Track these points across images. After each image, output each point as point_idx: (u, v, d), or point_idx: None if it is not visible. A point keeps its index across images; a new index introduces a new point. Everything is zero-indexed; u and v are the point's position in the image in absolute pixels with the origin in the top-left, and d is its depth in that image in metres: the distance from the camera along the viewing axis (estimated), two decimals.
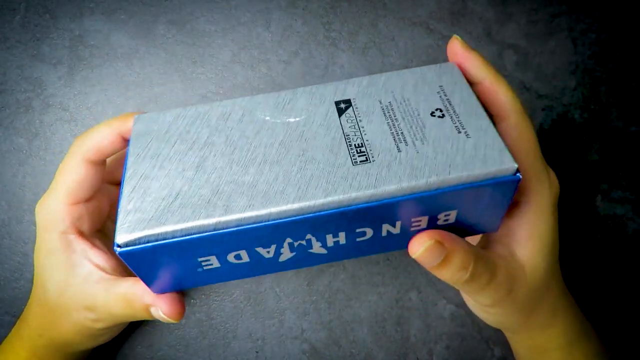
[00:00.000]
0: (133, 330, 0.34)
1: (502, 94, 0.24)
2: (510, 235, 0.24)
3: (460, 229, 0.23)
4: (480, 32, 0.36)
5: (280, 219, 0.20)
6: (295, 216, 0.20)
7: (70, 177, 0.26)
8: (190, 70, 0.36)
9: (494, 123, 0.24)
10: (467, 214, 0.22)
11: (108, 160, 0.29)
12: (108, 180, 0.29)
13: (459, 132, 0.22)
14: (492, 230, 0.24)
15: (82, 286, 0.26)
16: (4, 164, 0.35)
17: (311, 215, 0.20)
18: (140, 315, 0.25)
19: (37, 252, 0.27)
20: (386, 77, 0.24)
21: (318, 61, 0.36)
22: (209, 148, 0.22)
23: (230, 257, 0.21)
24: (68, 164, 0.26)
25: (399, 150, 0.21)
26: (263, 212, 0.20)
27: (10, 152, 0.35)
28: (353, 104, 0.23)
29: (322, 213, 0.20)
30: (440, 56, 0.36)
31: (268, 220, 0.20)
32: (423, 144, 0.21)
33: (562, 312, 0.27)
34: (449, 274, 0.22)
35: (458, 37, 0.25)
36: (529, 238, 0.24)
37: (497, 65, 0.35)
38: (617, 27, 0.36)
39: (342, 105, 0.23)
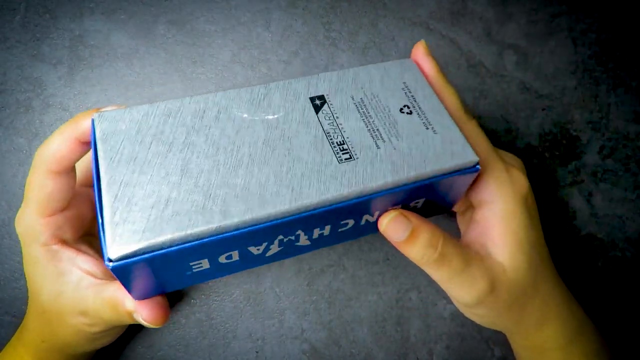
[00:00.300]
0: (133, 330, 0.34)
1: (447, 100, 0.25)
2: (484, 237, 0.25)
3: (426, 211, 0.25)
4: (480, 32, 0.36)
5: (278, 219, 0.20)
6: (291, 216, 0.20)
7: (38, 191, 0.25)
8: (190, 70, 0.36)
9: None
10: (434, 199, 0.25)
11: (81, 164, 0.28)
12: (85, 183, 0.29)
13: (427, 129, 0.23)
14: (449, 208, 0.27)
15: (73, 292, 0.26)
16: (4, 164, 0.35)
17: (306, 213, 0.20)
18: (126, 320, 0.25)
19: (25, 265, 0.27)
20: (354, 72, 0.25)
21: (318, 61, 0.36)
22: (190, 149, 0.21)
23: (222, 259, 0.22)
24: (34, 178, 0.25)
25: (378, 147, 0.23)
26: (262, 214, 0.20)
27: (10, 152, 0.35)
28: (327, 100, 0.24)
29: (316, 211, 0.21)
30: (440, 56, 0.36)
31: (266, 222, 0.20)
32: (398, 140, 0.23)
33: (556, 308, 0.26)
34: (417, 250, 0.23)
35: (424, 42, 0.26)
36: (501, 236, 0.24)
37: (497, 65, 0.35)
38: (617, 27, 0.36)
39: (317, 102, 0.24)
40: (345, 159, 0.22)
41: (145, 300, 0.24)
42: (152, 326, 0.25)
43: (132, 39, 0.36)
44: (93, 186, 0.21)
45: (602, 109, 0.35)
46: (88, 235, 0.29)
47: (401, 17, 0.36)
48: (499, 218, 0.25)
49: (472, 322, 0.35)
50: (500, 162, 0.25)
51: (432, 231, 0.23)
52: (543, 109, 0.35)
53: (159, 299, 0.25)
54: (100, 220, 0.19)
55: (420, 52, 0.26)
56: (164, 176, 0.20)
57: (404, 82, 0.25)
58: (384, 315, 0.35)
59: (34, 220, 0.26)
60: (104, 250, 0.19)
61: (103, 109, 0.23)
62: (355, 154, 0.22)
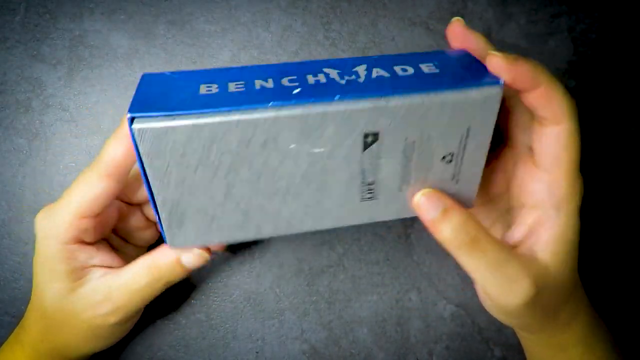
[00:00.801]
0: (133, 330, 0.34)
1: (558, 99, 0.22)
2: (533, 238, 0.24)
3: None
4: (480, 32, 0.36)
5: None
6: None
7: (86, 191, 0.26)
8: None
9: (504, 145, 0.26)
10: None
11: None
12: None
13: (452, 179, 0.24)
14: None
15: (89, 285, 0.27)
16: (4, 164, 0.35)
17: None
18: (166, 276, 0.27)
19: (36, 261, 0.27)
20: (426, 107, 0.22)
21: None
22: (233, 176, 0.22)
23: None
24: (86, 177, 0.26)
25: (400, 191, 0.24)
26: (286, 233, 0.25)
27: (10, 153, 0.35)
28: (380, 138, 0.22)
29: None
30: None
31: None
32: (421, 185, 0.24)
33: (583, 311, 0.27)
34: (448, 230, 0.23)
35: (494, 52, 0.22)
36: (555, 242, 0.24)
37: None
38: (617, 27, 0.36)
39: (369, 139, 0.22)
40: (368, 198, 0.24)
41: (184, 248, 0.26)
42: (203, 259, 0.26)
43: (132, 39, 0.36)
44: (147, 193, 0.23)
45: (602, 109, 0.35)
46: (106, 240, 0.30)
47: (401, 17, 0.36)
48: (557, 225, 0.24)
49: (472, 322, 0.35)
50: (577, 171, 0.23)
51: (467, 215, 0.23)
52: None
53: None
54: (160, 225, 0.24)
55: (498, 63, 0.22)
56: (210, 198, 0.23)
57: (469, 128, 0.23)
58: (383, 316, 0.35)
59: (66, 217, 0.26)
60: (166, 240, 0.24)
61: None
62: (377, 196, 0.24)
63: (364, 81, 0.22)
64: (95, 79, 0.36)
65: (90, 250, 0.27)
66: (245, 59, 0.36)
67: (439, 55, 0.24)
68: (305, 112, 0.21)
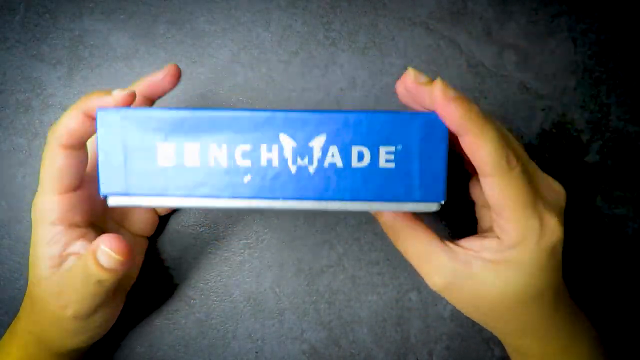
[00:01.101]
0: (132, 330, 0.34)
1: (482, 153, 0.22)
2: (478, 253, 0.25)
3: None
4: (480, 32, 0.36)
5: None
6: None
7: (51, 166, 0.26)
8: (189, 70, 0.36)
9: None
10: None
11: (91, 150, 0.29)
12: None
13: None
14: None
15: (55, 274, 0.26)
16: (4, 164, 0.35)
17: None
18: (93, 274, 0.25)
19: (30, 246, 0.28)
20: (366, 210, 0.26)
21: (318, 61, 0.36)
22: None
23: None
24: (46, 155, 0.26)
25: None
26: None
27: (10, 152, 0.35)
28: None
29: None
30: (439, 56, 0.36)
31: None
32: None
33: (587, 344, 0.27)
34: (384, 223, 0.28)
35: (440, 82, 0.22)
36: (494, 264, 0.25)
37: (497, 65, 0.35)
38: (617, 27, 0.36)
39: None
40: None
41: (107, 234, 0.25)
42: (116, 259, 0.25)
43: (132, 38, 0.36)
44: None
45: (602, 109, 0.35)
46: (99, 227, 0.30)
47: (401, 17, 0.36)
48: (502, 260, 0.25)
49: (472, 322, 0.35)
50: (534, 214, 0.23)
51: (393, 221, 0.27)
52: (543, 109, 0.35)
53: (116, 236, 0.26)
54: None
55: (436, 96, 0.22)
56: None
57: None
58: (383, 316, 0.35)
59: (47, 197, 0.26)
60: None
61: (109, 96, 0.25)
62: None
63: (314, 172, 0.24)
64: (95, 78, 0.36)
65: (73, 235, 0.27)
66: (245, 59, 0.36)
67: (408, 129, 0.24)
68: (251, 205, 0.24)
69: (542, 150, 0.35)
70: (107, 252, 0.25)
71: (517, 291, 0.25)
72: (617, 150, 0.35)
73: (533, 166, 0.26)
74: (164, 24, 0.36)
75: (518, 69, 0.36)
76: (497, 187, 0.23)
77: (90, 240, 0.27)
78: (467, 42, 0.36)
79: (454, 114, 0.22)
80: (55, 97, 0.36)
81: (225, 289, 0.35)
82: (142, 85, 0.28)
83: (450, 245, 0.26)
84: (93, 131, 0.26)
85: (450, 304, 0.34)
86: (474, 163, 0.23)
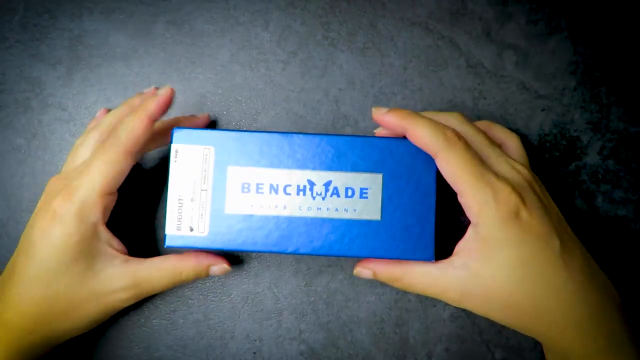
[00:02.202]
0: (130, 331, 0.34)
1: (422, 137, 0.26)
2: (468, 251, 0.27)
3: None
4: (480, 32, 0.36)
5: None
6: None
7: (111, 168, 0.27)
8: (189, 70, 0.36)
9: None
10: None
11: None
12: None
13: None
14: None
15: (113, 270, 0.28)
16: (3, 163, 0.35)
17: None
18: (187, 279, 0.30)
19: (48, 244, 0.27)
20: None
21: (317, 61, 0.36)
22: None
23: None
24: (108, 156, 0.27)
25: None
26: None
27: (9, 152, 0.35)
28: None
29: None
30: (439, 57, 0.36)
31: None
32: None
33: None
34: (385, 282, 0.30)
35: (373, 107, 0.29)
36: (481, 256, 0.26)
37: (497, 65, 0.35)
38: (617, 27, 0.35)
39: None
40: None
41: (211, 256, 0.31)
42: (229, 270, 0.31)
43: (131, 38, 0.36)
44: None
45: (602, 109, 0.35)
46: None
47: (400, 17, 0.36)
48: (480, 241, 0.26)
49: (472, 323, 0.34)
50: (484, 183, 0.26)
51: (390, 270, 0.29)
52: (543, 109, 0.35)
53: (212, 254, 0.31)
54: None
55: (379, 119, 0.28)
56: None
57: None
58: (382, 317, 0.34)
59: (94, 198, 0.27)
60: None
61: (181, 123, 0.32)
62: None
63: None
64: (94, 78, 0.36)
65: (108, 232, 0.29)
66: (244, 59, 0.36)
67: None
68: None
69: (542, 150, 0.35)
70: (224, 265, 0.31)
71: (509, 274, 0.26)
72: (617, 150, 0.35)
73: (487, 150, 0.28)
74: (163, 24, 0.36)
75: (518, 69, 0.35)
76: (445, 163, 0.26)
77: (113, 235, 0.29)
78: (466, 42, 0.36)
79: (390, 121, 0.27)
80: (55, 97, 0.36)
81: (223, 289, 0.35)
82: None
83: (444, 261, 0.28)
84: (151, 135, 0.29)
85: (449, 305, 0.34)
86: (426, 150, 0.27)
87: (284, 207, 0.28)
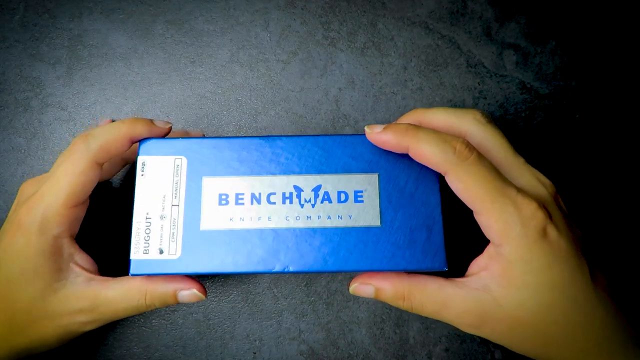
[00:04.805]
0: (129, 331, 0.34)
1: (427, 155, 0.23)
2: (488, 272, 0.24)
3: None
4: (480, 32, 0.36)
5: None
6: None
7: (77, 178, 0.25)
8: (188, 70, 0.36)
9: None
10: None
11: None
12: None
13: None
14: None
15: (72, 289, 0.25)
16: (3, 163, 0.35)
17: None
18: (156, 304, 0.26)
19: (12, 253, 0.25)
20: None
21: (317, 61, 0.36)
22: None
23: None
24: (72, 165, 0.25)
25: None
26: None
27: (8, 152, 0.35)
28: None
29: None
30: (439, 56, 0.35)
31: None
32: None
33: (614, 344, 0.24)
34: (389, 302, 0.26)
35: (366, 126, 0.25)
36: (501, 276, 0.23)
37: (497, 65, 0.35)
38: (617, 27, 0.35)
39: None
40: None
41: (180, 278, 0.26)
42: (201, 298, 0.27)
43: (131, 38, 0.36)
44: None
45: (602, 109, 0.35)
46: None
47: (400, 16, 0.36)
48: (504, 262, 0.23)
49: None
50: (505, 199, 0.23)
51: (396, 286, 0.25)
52: (543, 109, 0.35)
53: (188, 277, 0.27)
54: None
55: (375, 138, 0.25)
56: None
57: None
58: (382, 317, 0.34)
59: (59, 209, 0.25)
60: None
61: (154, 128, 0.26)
62: None
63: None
64: (94, 78, 0.36)
65: (73, 247, 0.26)
66: (244, 59, 0.36)
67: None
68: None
69: (541, 151, 0.35)
70: (194, 292, 0.26)
71: (538, 301, 0.23)
72: (617, 151, 0.35)
73: (509, 159, 0.25)
74: (162, 23, 0.36)
75: (518, 69, 0.35)
76: (457, 181, 0.23)
77: (80, 250, 0.27)
78: (466, 42, 0.36)
79: (388, 140, 0.24)
80: (54, 96, 0.36)
81: (223, 289, 0.35)
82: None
83: (460, 280, 0.25)
84: (125, 152, 0.26)
85: None
86: (434, 169, 0.24)
87: (269, 219, 0.25)
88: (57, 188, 0.25)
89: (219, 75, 0.36)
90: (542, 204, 0.23)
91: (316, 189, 0.25)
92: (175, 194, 0.25)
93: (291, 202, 0.25)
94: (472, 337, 0.34)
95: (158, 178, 0.25)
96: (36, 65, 0.36)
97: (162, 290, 0.26)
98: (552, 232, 0.23)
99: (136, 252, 0.24)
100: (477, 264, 0.25)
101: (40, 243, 0.25)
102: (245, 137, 0.26)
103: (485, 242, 0.25)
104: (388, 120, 0.35)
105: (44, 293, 0.25)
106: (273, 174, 0.25)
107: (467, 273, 0.25)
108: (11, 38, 0.36)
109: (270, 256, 0.25)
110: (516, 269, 0.23)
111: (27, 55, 0.36)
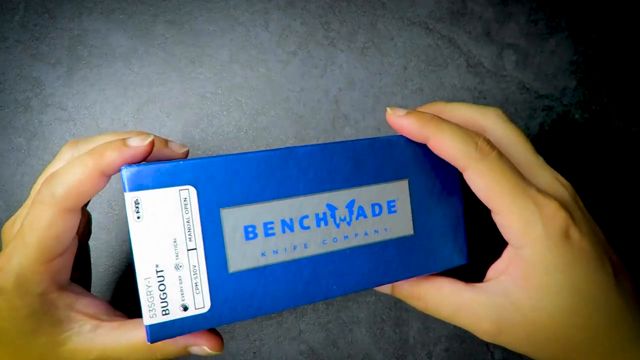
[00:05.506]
0: None
1: (448, 148, 0.22)
2: (507, 275, 0.23)
3: None
4: (480, 32, 0.36)
5: None
6: None
7: (44, 232, 0.21)
8: (188, 70, 0.36)
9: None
10: None
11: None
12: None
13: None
14: None
15: (79, 340, 0.23)
16: (2, 163, 0.35)
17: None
18: (166, 358, 0.24)
19: (8, 317, 0.22)
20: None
21: (317, 61, 0.36)
22: None
23: None
24: (40, 216, 0.21)
25: None
26: None
27: (8, 152, 0.35)
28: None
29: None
30: (439, 56, 0.35)
31: None
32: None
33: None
34: (405, 300, 0.26)
35: (388, 108, 0.24)
36: (523, 278, 0.23)
37: (497, 65, 0.35)
38: (617, 27, 0.35)
39: None
40: None
41: (198, 332, 0.23)
42: (213, 354, 0.24)
43: (131, 38, 0.36)
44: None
45: (602, 109, 0.35)
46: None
47: (400, 16, 0.36)
48: (524, 265, 0.22)
49: None
50: (526, 198, 0.22)
51: (412, 285, 0.25)
52: (543, 109, 0.35)
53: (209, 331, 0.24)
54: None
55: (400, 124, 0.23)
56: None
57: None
58: (382, 317, 0.34)
59: (34, 267, 0.22)
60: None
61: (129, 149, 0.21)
62: None
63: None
64: (94, 78, 0.36)
65: (69, 296, 0.24)
66: (244, 59, 0.36)
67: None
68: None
69: (541, 151, 0.35)
70: (207, 352, 0.24)
71: (560, 304, 0.22)
72: (617, 150, 0.35)
73: (529, 158, 0.25)
74: (163, 23, 0.36)
75: (518, 69, 0.35)
76: (476, 177, 0.22)
77: (81, 294, 0.24)
78: (466, 42, 0.36)
79: (409, 127, 0.23)
80: (55, 96, 0.36)
81: None
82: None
83: (478, 285, 0.24)
84: (102, 188, 0.22)
85: None
86: (452, 163, 0.23)
87: (305, 246, 0.22)
88: (23, 246, 0.22)
89: (219, 76, 0.36)
90: (563, 204, 0.23)
91: (350, 205, 0.23)
92: (189, 235, 0.20)
93: (326, 224, 0.22)
94: (472, 337, 0.34)
95: (162, 218, 0.20)
96: (36, 65, 0.36)
97: (171, 348, 0.24)
98: (574, 233, 0.22)
99: (153, 316, 0.20)
100: (496, 269, 0.24)
101: (25, 306, 0.22)
102: (261, 151, 0.22)
103: (502, 246, 0.24)
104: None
105: (52, 346, 0.23)
106: (303, 193, 0.22)
107: (485, 279, 0.24)
108: (11, 38, 0.36)
109: (311, 286, 0.22)
110: (537, 271, 0.22)
111: (27, 55, 0.36)
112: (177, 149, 0.24)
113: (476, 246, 0.31)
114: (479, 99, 0.35)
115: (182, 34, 0.36)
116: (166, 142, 0.24)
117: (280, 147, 0.23)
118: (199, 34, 0.36)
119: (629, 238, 0.35)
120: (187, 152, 0.25)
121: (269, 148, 0.21)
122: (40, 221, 0.21)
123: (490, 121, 0.25)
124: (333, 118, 0.35)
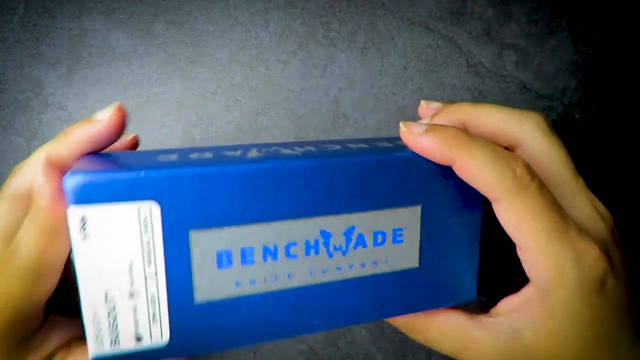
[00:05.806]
0: None
1: (478, 175, 0.19)
2: (522, 311, 0.21)
3: None
4: (480, 32, 0.36)
5: None
6: None
7: (19, 303, 0.19)
8: (188, 70, 0.36)
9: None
10: None
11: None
12: None
13: None
14: None
15: None
16: (3, 163, 0.35)
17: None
18: None
19: None
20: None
21: (317, 61, 0.36)
22: None
23: None
24: (10, 286, 0.19)
25: None
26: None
27: (8, 152, 0.35)
28: None
29: None
30: (439, 56, 0.35)
31: None
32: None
33: None
34: (411, 336, 0.23)
35: (401, 124, 0.20)
36: (539, 321, 0.20)
37: (497, 65, 0.35)
38: (617, 27, 0.35)
39: None
40: None
41: None
42: None
43: (131, 38, 0.36)
44: None
45: (602, 109, 0.35)
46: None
47: (400, 16, 0.36)
48: (547, 310, 0.20)
49: None
50: (564, 243, 0.19)
51: (410, 318, 0.22)
52: (543, 109, 0.35)
53: None
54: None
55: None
56: None
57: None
58: None
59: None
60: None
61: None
62: None
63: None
64: (94, 78, 0.36)
65: (42, 336, 0.21)
66: (244, 59, 0.36)
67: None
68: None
69: None
70: None
71: (577, 352, 0.20)
72: (617, 151, 0.35)
73: (568, 182, 0.22)
74: (163, 23, 0.36)
75: (518, 69, 0.35)
76: (510, 212, 0.19)
77: (55, 326, 0.21)
78: (466, 42, 0.36)
79: (430, 148, 0.19)
80: (54, 96, 0.36)
81: None
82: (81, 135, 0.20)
83: (485, 318, 0.22)
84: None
85: None
86: (480, 191, 0.20)
87: (289, 277, 0.19)
88: None
89: (219, 75, 0.36)
90: (604, 250, 0.20)
91: (348, 232, 0.19)
92: (149, 259, 0.17)
93: (317, 253, 0.19)
94: None
95: (115, 239, 0.16)
96: (36, 65, 0.36)
97: None
98: (610, 282, 0.20)
99: (99, 345, 0.17)
100: (509, 303, 0.21)
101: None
102: (246, 164, 0.17)
103: (515, 271, 0.23)
104: (388, 121, 0.35)
105: None
106: (293, 217, 0.18)
107: (494, 310, 0.22)
108: (11, 38, 0.36)
109: (292, 319, 0.19)
110: (560, 319, 0.20)
111: (27, 55, 0.36)
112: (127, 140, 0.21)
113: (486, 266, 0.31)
114: (479, 98, 0.35)
115: (182, 33, 0.36)
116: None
117: (272, 154, 0.19)
118: (199, 34, 0.36)
119: (629, 238, 0.35)
120: (137, 141, 0.21)
121: (259, 154, 0.19)
122: (8, 293, 0.19)
123: (528, 133, 0.22)
124: (333, 118, 0.35)
